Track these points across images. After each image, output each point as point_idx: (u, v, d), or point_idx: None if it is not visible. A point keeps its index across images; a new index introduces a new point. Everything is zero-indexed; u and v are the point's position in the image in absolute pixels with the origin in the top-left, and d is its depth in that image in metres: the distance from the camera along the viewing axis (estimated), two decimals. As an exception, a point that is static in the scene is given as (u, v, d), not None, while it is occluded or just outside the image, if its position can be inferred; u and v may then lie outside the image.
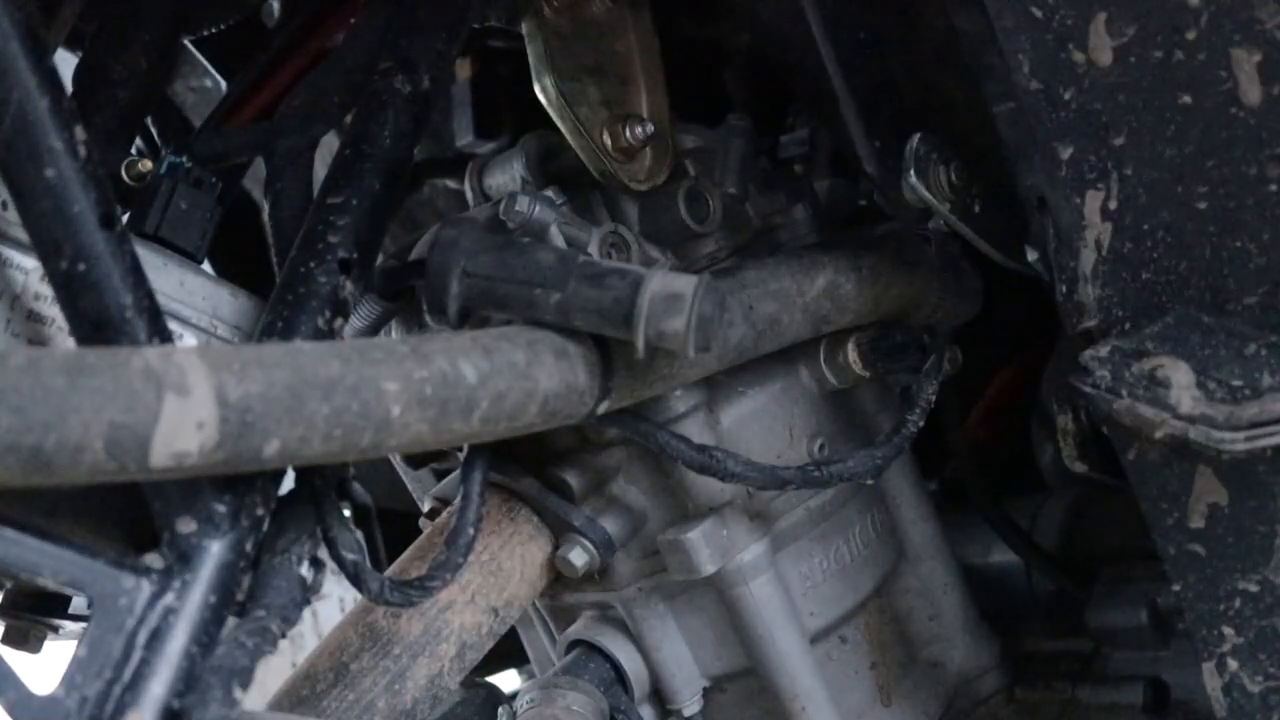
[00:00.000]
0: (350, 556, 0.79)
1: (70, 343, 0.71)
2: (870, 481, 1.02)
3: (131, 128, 0.93)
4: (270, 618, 0.72)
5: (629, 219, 0.98)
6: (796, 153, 1.08)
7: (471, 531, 0.88)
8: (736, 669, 1.01)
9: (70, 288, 0.68)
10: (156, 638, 0.67)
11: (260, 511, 0.73)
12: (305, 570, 0.75)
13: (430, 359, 0.68)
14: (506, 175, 1.03)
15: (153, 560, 0.69)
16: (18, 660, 0.70)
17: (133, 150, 0.96)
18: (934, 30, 0.84)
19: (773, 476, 0.91)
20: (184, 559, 0.69)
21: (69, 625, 0.96)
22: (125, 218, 0.86)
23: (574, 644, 1.03)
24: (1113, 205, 0.76)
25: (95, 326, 0.68)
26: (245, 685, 0.68)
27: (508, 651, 1.11)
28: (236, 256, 1.16)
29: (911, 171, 0.83)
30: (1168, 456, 0.78)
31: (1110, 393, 0.76)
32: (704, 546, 0.94)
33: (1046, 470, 1.27)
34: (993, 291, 1.09)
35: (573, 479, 0.99)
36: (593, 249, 0.89)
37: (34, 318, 0.78)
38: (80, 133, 0.67)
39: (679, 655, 1.01)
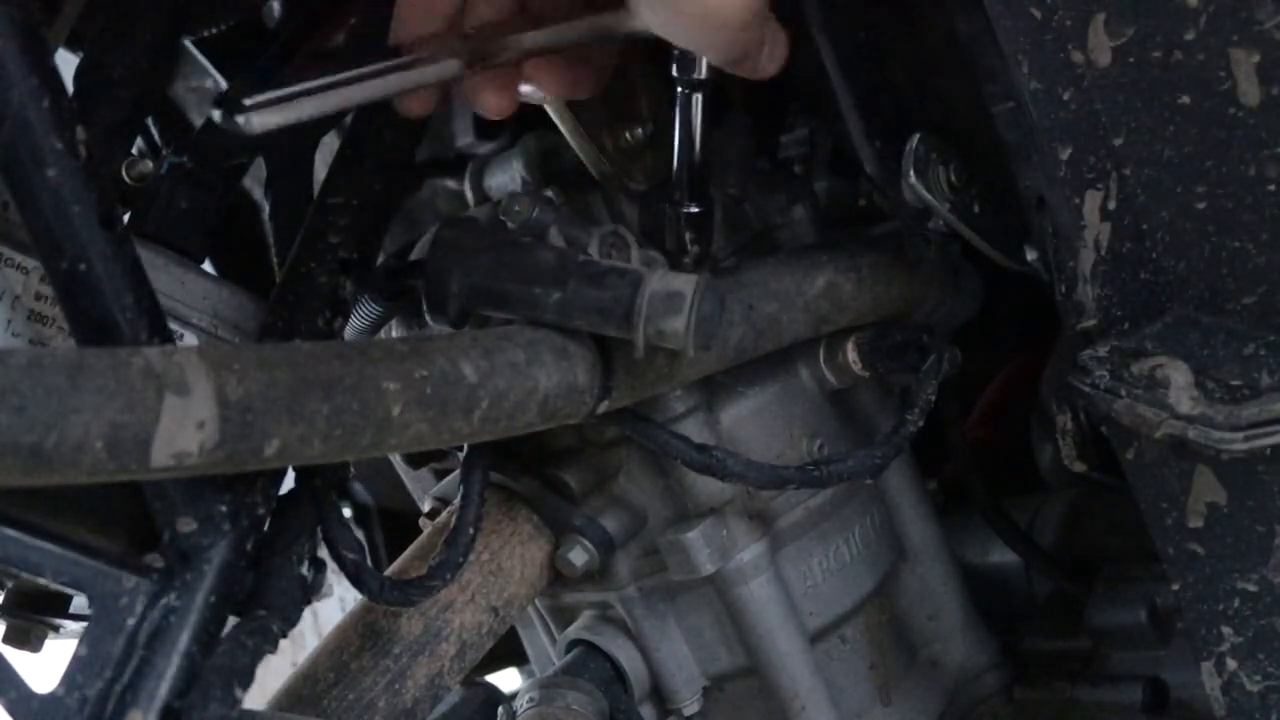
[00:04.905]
0: (350, 556, 0.79)
1: (70, 343, 0.71)
2: (870, 481, 1.02)
3: (131, 128, 0.93)
4: (271, 617, 0.72)
5: (629, 219, 0.98)
6: (796, 153, 1.08)
7: (471, 531, 0.88)
8: (736, 669, 1.01)
9: (70, 288, 0.67)
10: (157, 637, 0.67)
11: (260, 511, 0.73)
12: (305, 570, 0.76)
13: (430, 358, 0.68)
14: (506, 175, 1.03)
15: (153, 560, 0.69)
16: (18, 660, 0.70)
17: (133, 150, 0.96)
18: (934, 30, 0.84)
19: (773, 476, 0.91)
20: (184, 559, 0.69)
21: (69, 625, 0.95)
22: (125, 218, 0.86)
23: (574, 643, 1.03)
24: (1112, 205, 0.76)
25: (95, 326, 0.67)
26: (245, 685, 0.69)
27: (508, 651, 1.11)
28: (236, 256, 1.16)
29: (911, 171, 0.83)
30: (1167, 456, 0.78)
31: (1109, 393, 0.76)
32: (704, 546, 0.94)
33: (1046, 470, 1.27)
34: (993, 291, 1.09)
35: (573, 479, 0.98)
36: (592, 249, 0.89)
37: (34, 318, 0.78)
38: (80, 133, 0.67)
39: (679, 655, 1.01)
